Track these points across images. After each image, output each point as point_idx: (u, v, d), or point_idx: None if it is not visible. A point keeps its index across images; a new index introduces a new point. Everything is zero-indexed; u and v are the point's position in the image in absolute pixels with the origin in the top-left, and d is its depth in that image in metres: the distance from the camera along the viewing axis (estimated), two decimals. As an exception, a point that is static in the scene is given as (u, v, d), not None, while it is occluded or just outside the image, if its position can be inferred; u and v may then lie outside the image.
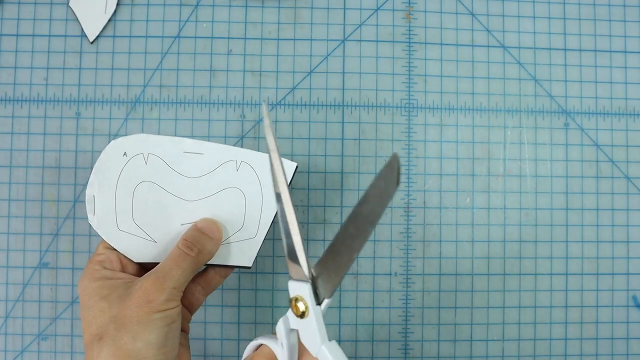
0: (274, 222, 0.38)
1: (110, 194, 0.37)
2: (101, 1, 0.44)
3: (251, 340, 0.35)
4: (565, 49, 0.45)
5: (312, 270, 0.31)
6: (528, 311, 0.44)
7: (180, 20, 0.44)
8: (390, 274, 0.44)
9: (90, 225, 0.37)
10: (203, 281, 0.38)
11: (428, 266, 0.44)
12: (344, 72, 0.44)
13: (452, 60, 0.45)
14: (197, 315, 0.43)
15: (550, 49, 0.45)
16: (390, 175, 0.27)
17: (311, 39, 0.45)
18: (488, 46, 0.45)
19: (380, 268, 0.44)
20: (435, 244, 0.44)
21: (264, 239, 0.37)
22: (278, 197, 0.32)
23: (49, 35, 0.44)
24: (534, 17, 0.45)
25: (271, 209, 0.37)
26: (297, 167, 0.37)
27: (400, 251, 0.44)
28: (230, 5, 0.45)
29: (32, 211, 0.43)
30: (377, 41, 0.45)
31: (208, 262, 0.36)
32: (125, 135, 0.39)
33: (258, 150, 0.38)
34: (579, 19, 0.46)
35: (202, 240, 0.35)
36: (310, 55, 0.45)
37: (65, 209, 0.43)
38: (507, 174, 0.45)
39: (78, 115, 0.44)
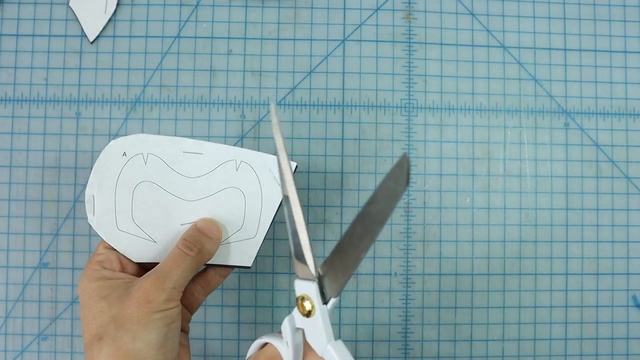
0: (274, 221, 0.38)
1: (109, 194, 0.37)
2: (101, 1, 0.44)
3: (251, 340, 0.35)
4: (565, 49, 0.45)
5: (319, 270, 0.31)
6: (528, 311, 0.44)
7: (180, 20, 0.44)
8: (390, 274, 0.44)
9: (90, 225, 0.37)
10: (203, 281, 0.38)
11: (428, 266, 0.44)
12: (344, 72, 0.44)
13: (452, 60, 0.45)
14: (197, 315, 0.43)
15: (550, 49, 0.45)
16: (399, 175, 0.27)
17: (311, 39, 0.45)
18: (488, 46, 0.45)
19: (380, 268, 0.44)
20: (435, 244, 0.44)
21: (264, 239, 0.37)
22: (285, 196, 0.32)
23: (49, 35, 0.44)
24: (534, 17, 0.45)
25: (271, 209, 0.37)
26: (296, 167, 0.37)
27: (400, 251, 0.44)
28: (230, 5, 0.45)
29: (32, 211, 0.43)
30: (377, 41, 0.45)
31: (208, 262, 0.36)
32: (125, 135, 0.39)
33: (258, 150, 0.38)
34: (579, 19, 0.46)
35: (201, 240, 0.35)
36: (310, 55, 0.45)
37: (65, 209, 0.43)
38: (507, 174, 0.44)
39: (78, 115, 0.44)
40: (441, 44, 0.45)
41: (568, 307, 0.44)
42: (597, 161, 0.45)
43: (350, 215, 0.44)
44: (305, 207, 0.43)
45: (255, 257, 0.37)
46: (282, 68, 0.44)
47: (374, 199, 0.29)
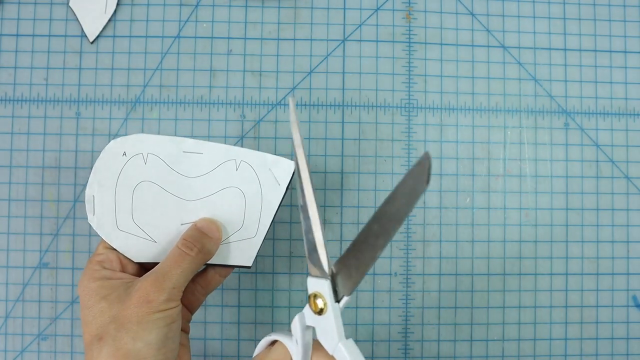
0: (274, 221, 0.38)
1: (109, 194, 0.37)
2: (101, 1, 0.44)
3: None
4: (565, 49, 0.45)
5: (332, 267, 0.31)
6: (528, 311, 0.44)
7: (180, 20, 0.44)
8: (390, 274, 0.44)
9: (90, 225, 0.37)
10: (203, 281, 0.38)
11: (428, 266, 0.44)
12: (344, 72, 0.44)
13: (452, 60, 0.45)
14: (197, 315, 0.43)
15: (550, 49, 0.45)
16: (420, 174, 0.27)
17: (311, 39, 0.45)
18: (488, 46, 0.45)
19: (380, 268, 0.44)
20: (435, 244, 0.44)
21: (264, 238, 0.37)
22: (302, 192, 0.32)
23: (49, 35, 0.44)
24: (534, 17, 0.45)
25: (271, 209, 0.37)
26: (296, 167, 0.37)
27: (400, 251, 0.44)
28: (230, 5, 0.45)
29: (32, 211, 0.43)
30: (377, 41, 0.45)
31: (208, 262, 0.36)
32: (125, 135, 0.39)
33: (258, 150, 0.38)
34: (579, 19, 0.46)
35: (201, 239, 0.35)
36: (310, 55, 0.45)
37: (65, 209, 0.43)
38: (507, 174, 0.45)
39: (78, 115, 0.44)
40: (441, 44, 0.45)
41: (568, 307, 0.44)
42: (597, 161, 0.45)
43: (350, 215, 0.44)
44: (305, 207, 0.43)
45: (255, 257, 0.37)
46: (282, 68, 0.44)
47: (393, 197, 0.28)
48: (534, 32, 0.45)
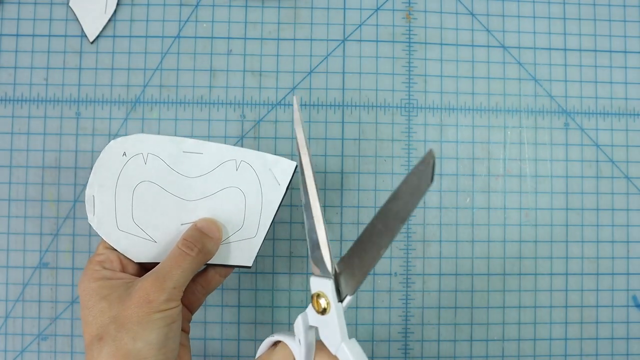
0: (274, 221, 0.38)
1: (110, 194, 0.37)
2: (101, 1, 0.44)
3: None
4: (565, 49, 0.45)
5: (336, 267, 0.31)
6: (528, 311, 0.44)
7: (180, 20, 0.44)
8: (390, 274, 0.44)
9: (90, 225, 0.37)
10: (203, 281, 0.38)
11: (428, 266, 0.44)
12: (344, 72, 0.44)
13: (452, 60, 0.45)
14: (197, 315, 0.43)
15: (550, 49, 0.45)
16: (424, 172, 0.27)
17: (311, 39, 0.45)
18: (488, 46, 0.45)
19: (380, 268, 0.44)
20: (435, 244, 0.44)
21: (264, 238, 0.37)
22: (305, 191, 0.32)
23: (49, 35, 0.44)
24: (534, 17, 0.45)
25: (271, 209, 0.37)
26: (297, 166, 0.37)
27: (400, 251, 0.44)
28: (230, 5, 0.45)
29: (32, 211, 0.43)
30: (377, 41, 0.45)
31: (208, 262, 0.36)
32: (125, 135, 0.39)
33: (258, 150, 0.38)
34: (579, 19, 0.46)
35: (202, 239, 0.35)
36: (310, 55, 0.45)
37: (65, 209, 0.43)
38: (507, 174, 0.45)
39: (78, 115, 0.44)
40: (441, 44, 0.45)
41: (568, 307, 0.44)
42: (597, 161, 0.45)
43: (350, 215, 0.44)
44: (306, 207, 0.43)
45: (256, 257, 0.37)
46: (282, 68, 0.44)
47: (396, 196, 0.28)
48: (534, 32, 0.45)
